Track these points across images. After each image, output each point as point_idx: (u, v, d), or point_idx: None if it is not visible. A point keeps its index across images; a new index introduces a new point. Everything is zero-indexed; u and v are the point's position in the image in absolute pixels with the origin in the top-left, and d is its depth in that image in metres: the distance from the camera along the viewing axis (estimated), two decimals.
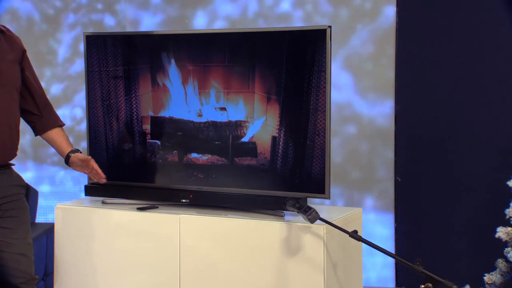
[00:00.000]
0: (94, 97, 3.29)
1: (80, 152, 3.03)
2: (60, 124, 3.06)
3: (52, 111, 3.05)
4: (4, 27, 2.84)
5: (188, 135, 3.13)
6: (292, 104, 2.92)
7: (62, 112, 4.57)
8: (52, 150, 4.37)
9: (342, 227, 2.68)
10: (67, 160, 3.02)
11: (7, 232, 2.83)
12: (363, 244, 2.74)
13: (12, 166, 2.87)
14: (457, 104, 3.94)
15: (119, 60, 3.23)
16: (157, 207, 3.11)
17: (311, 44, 2.85)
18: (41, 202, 4.28)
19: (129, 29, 4.50)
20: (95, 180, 3.05)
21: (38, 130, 3.00)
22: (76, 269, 3.17)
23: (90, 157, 3.03)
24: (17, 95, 2.84)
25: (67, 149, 3.02)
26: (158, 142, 3.20)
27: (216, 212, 3.01)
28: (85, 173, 3.05)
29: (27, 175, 4.43)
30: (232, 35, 3.11)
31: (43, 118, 2.98)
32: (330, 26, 2.81)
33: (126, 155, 3.26)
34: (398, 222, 4.08)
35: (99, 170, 3.00)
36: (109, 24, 4.54)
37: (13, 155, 2.85)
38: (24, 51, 2.90)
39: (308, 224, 2.69)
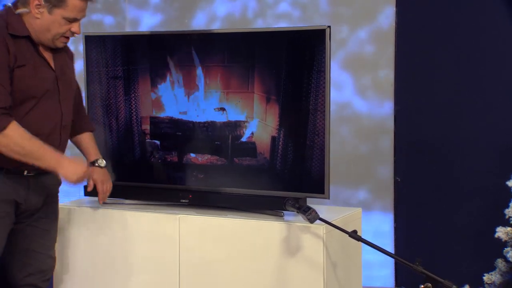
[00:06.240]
0: (93, 97, 3.29)
1: (102, 165, 3.08)
2: (90, 129, 3.13)
3: (85, 116, 3.14)
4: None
5: (188, 135, 3.13)
6: (291, 104, 2.92)
7: None
8: None
9: (342, 227, 2.68)
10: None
11: (42, 232, 2.90)
12: (363, 244, 2.74)
13: None
14: (456, 104, 3.94)
15: (118, 60, 3.23)
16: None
17: (311, 44, 2.85)
18: None
19: (128, 29, 4.50)
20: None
21: (70, 134, 3.05)
22: (75, 269, 3.17)
23: (103, 179, 3.08)
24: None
25: (91, 157, 3.08)
26: (158, 142, 3.20)
27: (216, 212, 3.01)
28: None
29: None
30: (231, 35, 3.11)
31: (76, 123, 3.03)
32: (329, 26, 2.81)
33: (125, 155, 3.25)
34: (398, 222, 4.08)
35: (102, 195, 3.08)
36: (109, 24, 4.54)
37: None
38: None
39: (308, 224, 2.69)
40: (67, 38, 2.80)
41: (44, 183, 2.85)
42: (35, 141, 2.65)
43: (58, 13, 2.70)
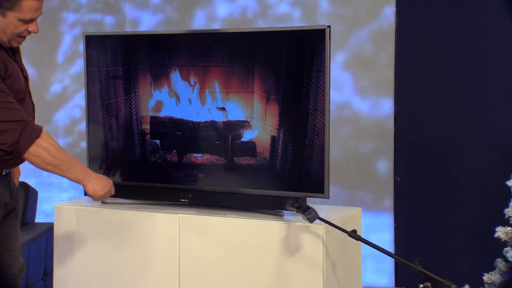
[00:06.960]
0: (93, 97, 3.29)
1: None
2: None
3: None
4: None
5: (188, 134, 3.13)
6: (291, 104, 2.92)
7: (61, 112, 4.57)
8: None
9: (341, 227, 2.68)
10: None
11: (15, 231, 2.89)
12: (363, 244, 2.74)
13: None
14: (456, 104, 3.95)
15: (118, 60, 3.23)
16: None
17: (311, 44, 2.85)
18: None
19: (128, 29, 4.50)
20: None
21: None
22: (75, 269, 3.17)
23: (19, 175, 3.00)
24: None
25: None
26: (158, 141, 3.20)
27: (216, 212, 3.01)
28: None
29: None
30: (231, 35, 3.11)
31: None
32: (329, 26, 2.81)
33: (125, 155, 3.26)
34: (398, 222, 4.09)
35: None
36: (109, 24, 4.55)
37: None
38: None
39: (307, 223, 2.69)
40: (24, 37, 2.69)
41: (12, 181, 2.84)
42: (65, 151, 2.63)
43: (13, 15, 2.56)
